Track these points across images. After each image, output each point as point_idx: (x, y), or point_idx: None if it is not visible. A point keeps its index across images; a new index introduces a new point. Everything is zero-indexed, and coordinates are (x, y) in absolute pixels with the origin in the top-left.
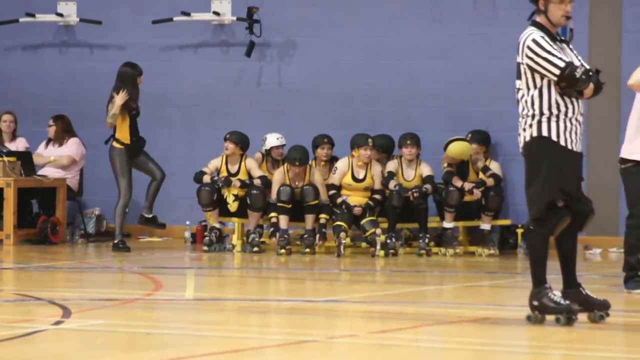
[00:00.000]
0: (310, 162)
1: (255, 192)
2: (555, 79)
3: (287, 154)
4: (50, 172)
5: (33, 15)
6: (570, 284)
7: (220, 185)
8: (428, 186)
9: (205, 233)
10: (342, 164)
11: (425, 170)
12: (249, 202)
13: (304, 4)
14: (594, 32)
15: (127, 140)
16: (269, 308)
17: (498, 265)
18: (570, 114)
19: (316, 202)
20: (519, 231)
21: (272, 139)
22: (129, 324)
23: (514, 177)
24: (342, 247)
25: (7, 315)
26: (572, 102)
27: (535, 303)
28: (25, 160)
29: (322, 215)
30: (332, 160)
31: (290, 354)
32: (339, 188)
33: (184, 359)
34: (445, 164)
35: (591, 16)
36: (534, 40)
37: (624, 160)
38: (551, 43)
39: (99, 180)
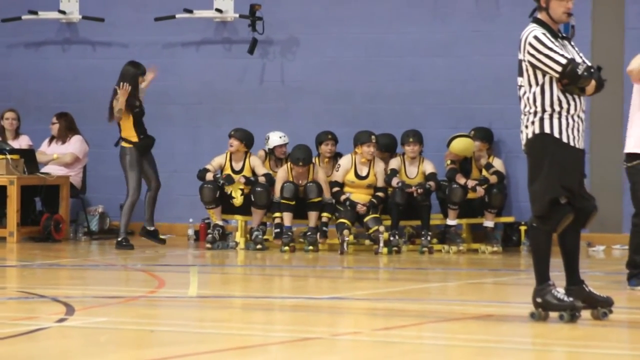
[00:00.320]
0: (313, 160)
1: (259, 189)
2: (557, 75)
3: (290, 154)
4: (54, 170)
5: (36, 13)
6: (574, 280)
7: (222, 183)
8: (432, 183)
9: (209, 230)
10: (345, 162)
11: (428, 167)
12: (253, 199)
13: (306, 2)
14: (597, 29)
15: (134, 138)
16: (273, 305)
17: (501, 263)
18: (572, 111)
19: (319, 199)
20: (522, 228)
21: (275, 138)
22: (132, 322)
23: (516, 174)
24: (345, 245)
25: (11, 312)
26: (574, 99)
27: (539, 300)
28: (29, 157)
29: (325, 214)
30: (335, 156)
31: (294, 351)
32: (342, 185)
33: (187, 357)
34: (448, 161)
35: (594, 13)
36: (536, 37)
37: (630, 157)
38: (553, 40)
39: (102, 178)
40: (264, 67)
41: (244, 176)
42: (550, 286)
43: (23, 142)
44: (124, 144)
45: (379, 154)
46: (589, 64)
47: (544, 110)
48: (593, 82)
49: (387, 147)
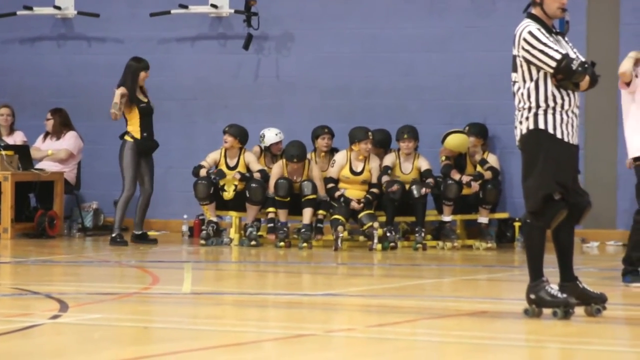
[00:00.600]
0: (308, 157)
1: (254, 185)
2: (551, 71)
3: (284, 150)
4: (48, 166)
5: (30, 8)
6: (567, 277)
7: (213, 178)
8: (431, 180)
9: (203, 227)
10: (340, 157)
11: (423, 164)
12: (247, 195)
13: None
14: (592, 25)
15: (137, 135)
16: (267, 302)
17: (495, 259)
18: (566, 107)
19: (314, 196)
20: (517, 224)
21: (271, 135)
22: (126, 318)
23: (511, 170)
24: (339, 241)
25: (5, 309)
26: (568, 95)
27: (533, 296)
28: (23, 153)
29: (320, 211)
30: (332, 151)
31: (288, 347)
32: (336, 181)
33: (181, 353)
34: (443, 157)
35: (589, 9)
36: (530, 33)
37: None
38: (547, 35)
39: (96, 174)
40: (259, 62)
41: (238, 172)
42: (544, 282)
43: (17, 138)
44: (126, 137)
45: (373, 150)
46: (583, 59)
47: (538, 106)
48: (587, 78)
49: (382, 142)
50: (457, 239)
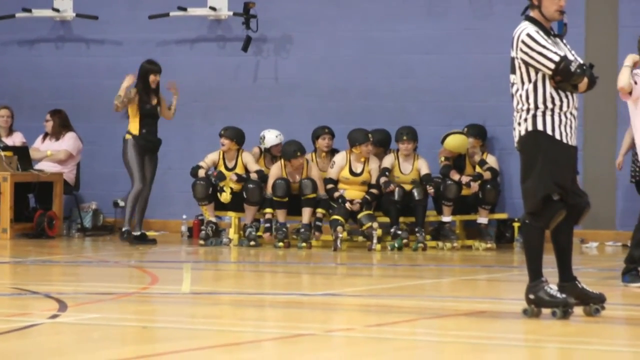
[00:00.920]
0: (307, 157)
1: (251, 186)
2: (550, 72)
3: (283, 150)
4: (47, 167)
5: (29, 11)
6: (566, 277)
7: (214, 181)
8: (431, 190)
9: (202, 227)
10: (339, 158)
11: (423, 167)
12: (245, 196)
13: None
14: (591, 27)
15: (136, 132)
16: (266, 302)
17: (495, 259)
18: (565, 108)
19: (314, 195)
20: (516, 225)
21: (271, 137)
22: (125, 318)
23: (510, 171)
24: (339, 241)
25: (4, 309)
26: (566, 96)
27: (532, 296)
28: (22, 154)
29: (319, 210)
30: (332, 151)
31: (286, 347)
32: (336, 182)
33: (180, 353)
34: (443, 158)
35: (588, 11)
36: (529, 35)
37: None
38: (545, 37)
39: (95, 175)
40: (257, 64)
41: (235, 174)
42: (543, 283)
43: (17, 139)
44: (126, 135)
45: (373, 149)
46: (581, 61)
47: (536, 108)
48: (586, 80)
49: (382, 142)
50: (457, 239)
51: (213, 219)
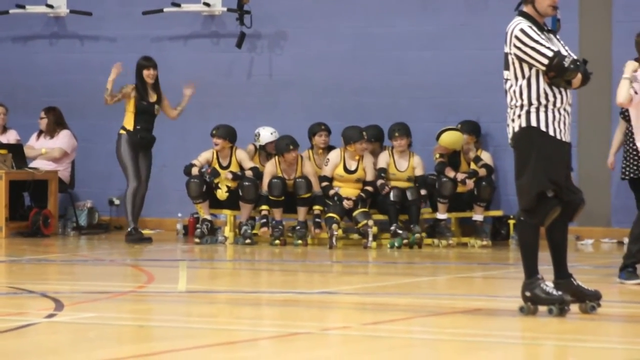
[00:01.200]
0: (305, 152)
1: (247, 183)
2: (543, 68)
3: (276, 145)
4: (42, 165)
5: (23, 7)
6: (562, 274)
7: (208, 178)
8: (424, 192)
9: (197, 225)
10: (334, 156)
11: (418, 168)
12: (240, 193)
13: None
14: (584, 22)
15: (130, 127)
16: (262, 300)
17: (490, 257)
18: (558, 104)
19: (309, 194)
20: (511, 222)
21: (266, 134)
22: (121, 317)
23: (505, 167)
24: (334, 239)
25: (0, 308)
26: (560, 92)
27: (528, 294)
28: (17, 152)
29: (316, 207)
30: (329, 148)
31: (283, 345)
32: (331, 180)
33: (176, 352)
34: (437, 155)
35: (581, 7)
36: (522, 30)
37: None
38: (539, 33)
39: (90, 173)
40: (252, 61)
41: (230, 172)
42: (539, 280)
43: (11, 137)
44: (120, 130)
45: (369, 145)
46: (575, 57)
47: (530, 104)
48: (579, 75)
49: (377, 137)
50: (452, 236)
51: (208, 217)
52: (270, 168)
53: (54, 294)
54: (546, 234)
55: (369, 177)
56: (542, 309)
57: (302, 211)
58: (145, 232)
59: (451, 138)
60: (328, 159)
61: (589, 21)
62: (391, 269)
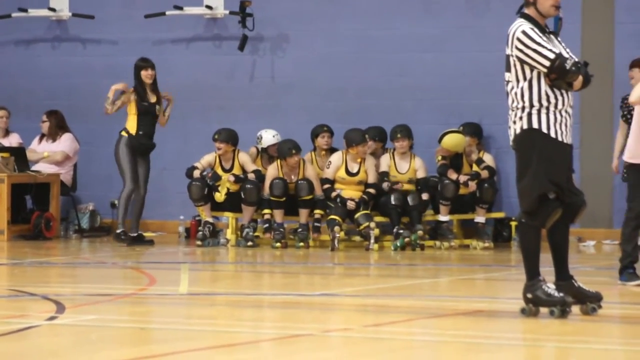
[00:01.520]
0: (303, 156)
1: (249, 186)
2: (545, 70)
3: (278, 148)
4: (44, 168)
5: (25, 10)
6: (563, 276)
7: (209, 181)
8: (426, 197)
9: (199, 228)
10: (336, 158)
11: (420, 170)
12: (243, 196)
13: None
14: (587, 24)
15: (132, 131)
16: (263, 302)
17: (492, 258)
18: (560, 106)
19: (311, 197)
20: (513, 224)
21: (268, 137)
22: (123, 319)
23: (507, 169)
24: (336, 241)
25: (1, 311)
26: (561, 94)
27: (529, 295)
28: (19, 155)
29: (317, 211)
30: (332, 150)
31: (284, 348)
32: (332, 182)
33: (178, 354)
34: (440, 157)
35: (583, 8)
36: (524, 32)
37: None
38: (541, 35)
39: (92, 176)
40: (254, 63)
41: (232, 174)
42: (541, 282)
43: (13, 140)
44: (122, 132)
45: (372, 146)
46: (576, 59)
47: (531, 106)
48: (580, 78)
49: (380, 137)
50: (454, 238)
51: (210, 220)
52: (272, 171)
53: (55, 297)
54: (547, 236)
55: (371, 179)
56: (544, 310)
57: (303, 213)
58: (147, 234)
59: (453, 140)
60: (330, 161)
61: (591, 22)
62: (393, 271)
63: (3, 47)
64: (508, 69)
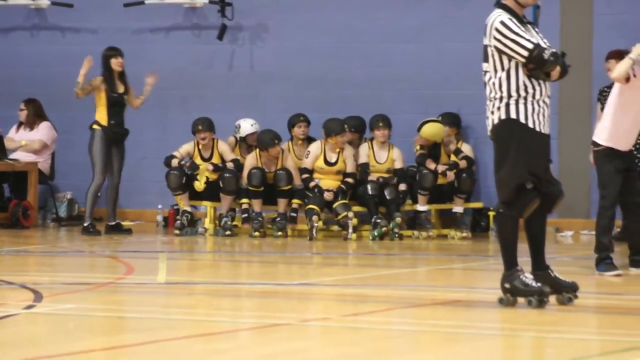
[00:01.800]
0: (285, 144)
1: (227, 175)
2: (523, 60)
3: (259, 139)
4: (22, 156)
5: None
6: (539, 266)
7: (187, 170)
8: (404, 188)
9: (177, 217)
10: (314, 148)
11: (397, 161)
12: (221, 185)
13: None
14: (565, 15)
15: (104, 122)
16: (242, 291)
17: (470, 248)
18: (537, 96)
19: (289, 187)
20: (491, 214)
21: (247, 126)
22: (100, 308)
23: (485, 159)
24: (314, 231)
25: None
26: (539, 84)
27: (507, 285)
28: None
29: (295, 200)
30: (309, 139)
31: (262, 337)
32: (311, 172)
33: (156, 343)
34: (418, 146)
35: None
36: (502, 22)
37: (596, 143)
38: (519, 25)
39: (70, 164)
40: (233, 53)
41: (211, 163)
42: (519, 272)
43: None
44: (94, 126)
45: (349, 136)
46: (554, 49)
47: (509, 96)
48: (558, 68)
49: (357, 128)
50: (432, 228)
51: (188, 209)
52: (250, 161)
53: (33, 285)
54: (525, 226)
55: (349, 169)
56: (521, 300)
57: (282, 203)
58: (125, 223)
59: (432, 130)
60: (309, 151)
61: (570, 13)
62: (371, 260)
63: None
64: (486, 60)
